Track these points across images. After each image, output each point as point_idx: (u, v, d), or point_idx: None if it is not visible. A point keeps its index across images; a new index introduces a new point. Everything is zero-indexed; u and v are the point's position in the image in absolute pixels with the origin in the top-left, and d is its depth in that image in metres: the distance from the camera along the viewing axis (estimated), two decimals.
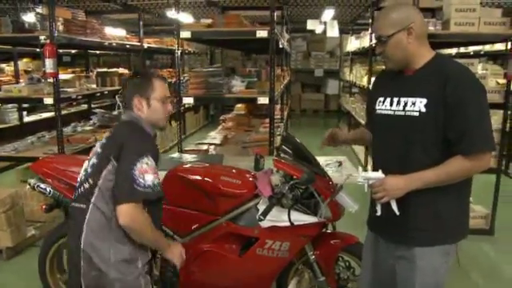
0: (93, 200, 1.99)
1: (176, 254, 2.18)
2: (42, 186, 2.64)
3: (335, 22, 8.12)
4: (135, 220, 1.92)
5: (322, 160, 3.88)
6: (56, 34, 4.22)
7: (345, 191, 2.15)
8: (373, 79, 6.44)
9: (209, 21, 4.33)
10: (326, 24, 8.35)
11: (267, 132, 4.44)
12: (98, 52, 9.96)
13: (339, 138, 2.34)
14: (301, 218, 2.35)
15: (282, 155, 2.45)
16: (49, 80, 4.57)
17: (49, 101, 4.49)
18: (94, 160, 2.08)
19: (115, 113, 6.35)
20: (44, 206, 2.70)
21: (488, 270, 3.87)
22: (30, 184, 2.68)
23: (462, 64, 1.97)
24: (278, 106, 7.60)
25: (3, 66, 10.59)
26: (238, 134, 5.88)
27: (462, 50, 8.10)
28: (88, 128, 6.09)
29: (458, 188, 1.91)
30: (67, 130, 5.77)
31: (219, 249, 2.50)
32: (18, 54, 8.27)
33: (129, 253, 2.01)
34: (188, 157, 4.10)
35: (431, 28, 4.18)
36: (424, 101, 1.87)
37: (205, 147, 4.96)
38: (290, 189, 2.30)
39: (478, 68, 5.10)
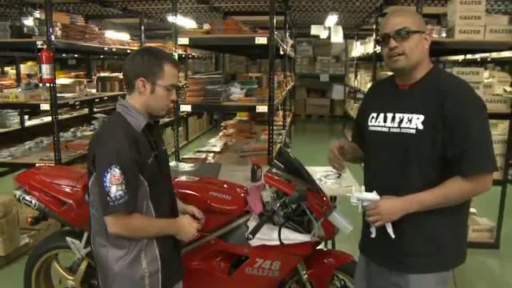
0: (91, 205, 1.98)
1: (186, 231, 2.04)
2: (28, 198, 2.56)
3: (339, 28, 8.03)
4: (124, 227, 1.88)
5: (320, 170, 3.79)
6: (53, 39, 4.17)
7: (339, 211, 2.05)
8: None
9: (207, 27, 4.25)
10: (330, 29, 8.25)
11: (267, 140, 4.33)
12: (101, 56, 9.92)
13: (347, 151, 2.14)
14: (292, 237, 2.24)
15: (275, 170, 2.34)
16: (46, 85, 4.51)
17: (45, 107, 4.43)
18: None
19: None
20: (29, 219, 2.62)
21: (493, 285, 3.73)
22: (15, 196, 2.61)
23: (461, 78, 1.87)
24: (281, 113, 7.51)
25: (7, 69, 10.63)
26: (238, 141, 5.79)
27: (469, 56, 7.95)
28: (88, 133, 6.00)
29: (456, 210, 1.80)
30: (67, 135, 5.69)
31: (207, 267, 2.40)
32: (22, 57, 8.26)
33: (127, 253, 1.93)
34: (185, 166, 4.01)
35: (435, 36, 4.08)
36: (421, 117, 1.76)
37: (203, 155, 4.87)
38: (282, 206, 2.20)
39: (485, 75, 4.97)
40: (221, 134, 6.52)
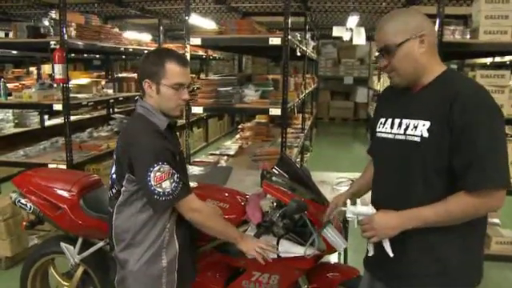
0: (117, 204, 1.98)
1: (250, 246, 2.02)
2: (23, 201, 2.51)
3: (362, 29, 7.81)
4: (194, 209, 1.95)
5: (333, 177, 3.63)
6: (67, 39, 4.13)
7: (332, 227, 1.90)
8: None
9: (221, 27, 4.15)
10: (352, 31, 8.05)
11: (281, 144, 4.18)
12: (123, 56, 9.96)
13: (361, 192, 2.04)
14: (292, 250, 2.09)
15: (275, 178, 2.19)
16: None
17: (58, 107, 4.41)
18: (114, 167, 2.01)
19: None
20: (24, 223, 2.56)
21: None
22: (11, 198, 2.55)
23: (477, 82, 1.69)
24: (300, 115, 7.35)
25: (32, 69, 10.79)
26: (254, 144, 5.66)
27: (497, 59, 7.62)
28: (104, 134, 5.97)
29: (465, 228, 1.60)
30: (83, 135, 5.67)
31: (203, 278, 2.27)
32: (44, 57, 8.34)
33: (148, 249, 1.94)
34: (194, 169, 3.91)
35: (458, 37, 3.87)
36: (427, 124, 1.58)
37: (216, 158, 4.76)
38: (282, 216, 2.05)
39: None
40: (237, 136, 6.40)
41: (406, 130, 1.65)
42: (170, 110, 1.97)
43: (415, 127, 1.62)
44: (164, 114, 1.98)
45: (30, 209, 2.49)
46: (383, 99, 1.97)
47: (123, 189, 1.94)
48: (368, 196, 2.88)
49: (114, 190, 2.01)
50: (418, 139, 1.60)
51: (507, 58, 7.67)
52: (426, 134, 1.58)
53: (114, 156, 2.00)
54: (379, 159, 1.83)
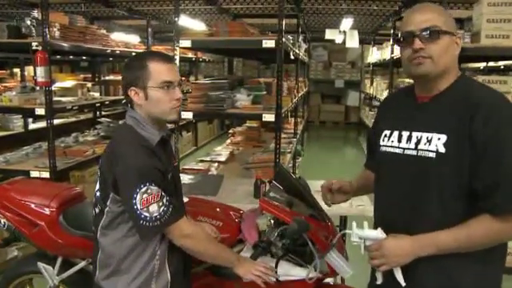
0: (101, 225, 1.79)
1: (248, 269, 1.84)
2: None
3: (355, 32, 7.70)
4: (184, 235, 1.76)
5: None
6: (50, 40, 3.93)
7: (336, 251, 1.74)
8: None
9: (212, 29, 3.97)
10: (345, 33, 7.92)
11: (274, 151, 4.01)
12: (110, 58, 9.74)
13: (347, 190, 1.89)
14: (292, 273, 1.91)
15: (272, 194, 2.01)
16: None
17: (41, 111, 4.20)
18: (99, 184, 1.82)
19: (122, 122, 6.04)
20: None
21: None
22: None
23: (496, 90, 1.52)
24: (292, 120, 7.19)
25: (17, 70, 10.48)
26: (245, 150, 5.49)
27: (491, 63, 7.52)
28: (90, 138, 5.77)
29: (488, 253, 1.43)
30: (68, 140, 5.45)
31: None
32: (28, 59, 8.06)
33: (136, 277, 1.76)
34: (184, 178, 3.72)
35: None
36: (443, 138, 1.42)
37: (207, 166, 4.58)
38: (280, 235, 1.88)
39: None
40: (228, 141, 6.22)
41: (417, 144, 1.49)
42: (164, 115, 1.78)
43: (429, 141, 1.45)
44: (158, 124, 1.80)
45: (4, 225, 2.28)
46: (385, 109, 1.81)
47: (107, 209, 1.75)
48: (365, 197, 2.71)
49: (97, 210, 1.82)
50: (433, 155, 1.43)
51: (501, 63, 7.57)
52: (442, 150, 1.41)
53: (98, 172, 1.81)
54: (385, 176, 1.65)
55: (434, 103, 1.51)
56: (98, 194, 1.82)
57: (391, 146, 1.58)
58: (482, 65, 7.79)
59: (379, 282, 1.52)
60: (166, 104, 1.76)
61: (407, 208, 1.51)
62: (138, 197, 1.62)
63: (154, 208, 1.64)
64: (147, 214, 1.64)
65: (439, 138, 1.43)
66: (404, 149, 1.53)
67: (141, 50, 6.79)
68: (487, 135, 1.35)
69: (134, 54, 6.52)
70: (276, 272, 1.88)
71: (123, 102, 1.94)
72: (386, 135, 1.62)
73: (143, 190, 1.62)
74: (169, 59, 1.81)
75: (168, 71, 1.76)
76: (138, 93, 1.75)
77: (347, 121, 13.68)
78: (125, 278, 1.76)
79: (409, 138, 1.52)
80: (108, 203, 1.73)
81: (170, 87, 1.75)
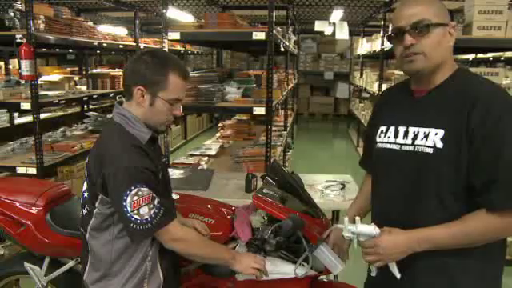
0: (90, 227, 1.72)
1: (246, 264, 1.78)
2: None
3: (345, 24, 7.64)
4: (176, 245, 1.70)
5: (322, 180, 3.44)
6: (35, 33, 3.83)
7: (327, 246, 1.70)
8: (384, 86, 6.05)
9: (200, 21, 3.90)
10: (335, 25, 7.87)
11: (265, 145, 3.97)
12: (98, 51, 9.59)
13: (361, 213, 1.82)
14: (284, 270, 1.87)
15: (266, 190, 1.97)
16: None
17: (26, 106, 4.12)
18: (86, 184, 1.75)
19: (110, 116, 5.95)
20: None
21: None
22: None
23: (495, 83, 1.48)
24: (282, 112, 7.15)
25: (0, 63, 10.27)
26: (236, 143, 5.44)
27: (480, 55, 7.55)
28: (78, 133, 5.67)
29: (485, 252, 1.41)
30: (55, 134, 5.36)
31: None
32: (11, 52, 7.88)
33: (128, 281, 1.70)
34: (174, 172, 3.66)
35: None
36: (441, 132, 1.38)
37: (196, 160, 4.52)
38: (274, 233, 1.83)
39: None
40: (218, 134, 6.16)
41: (414, 139, 1.45)
42: (157, 125, 1.74)
43: (426, 136, 1.42)
44: (147, 126, 1.73)
45: None
46: (382, 104, 1.75)
47: (96, 210, 1.68)
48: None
49: (85, 211, 1.75)
50: (430, 150, 1.40)
51: (490, 55, 7.61)
52: (439, 145, 1.38)
53: (86, 172, 1.73)
54: (381, 173, 1.62)
55: (430, 97, 1.47)
56: (85, 194, 1.75)
57: (388, 142, 1.54)
58: (470, 56, 7.81)
59: (373, 274, 1.50)
60: (165, 117, 1.73)
61: (405, 204, 1.49)
62: (129, 199, 1.56)
63: (144, 210, 1.58)
64: (137, 217, 1.58)
65: (436, 133, 1.39)
66: (401, 145, 1.49)
67: (128, 43, 6.69)
68: (485, 130, 1.32)
69: (121, 46, 6.41)
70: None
71: (118, 97, 1.86)
72: (382, 131, 1.58)
73: (134, 191, 1.56)
74: (188, 76, 1.75)
75: (183, 89, 1.72)
76: (144, 95, 1.67)
77: (336, 113, 13.69)
78: (116, 281, 1.70)
79: (405, 134, 1.49)
80: (96, 204, 1.67)
81: (175, 104, 1.71)
